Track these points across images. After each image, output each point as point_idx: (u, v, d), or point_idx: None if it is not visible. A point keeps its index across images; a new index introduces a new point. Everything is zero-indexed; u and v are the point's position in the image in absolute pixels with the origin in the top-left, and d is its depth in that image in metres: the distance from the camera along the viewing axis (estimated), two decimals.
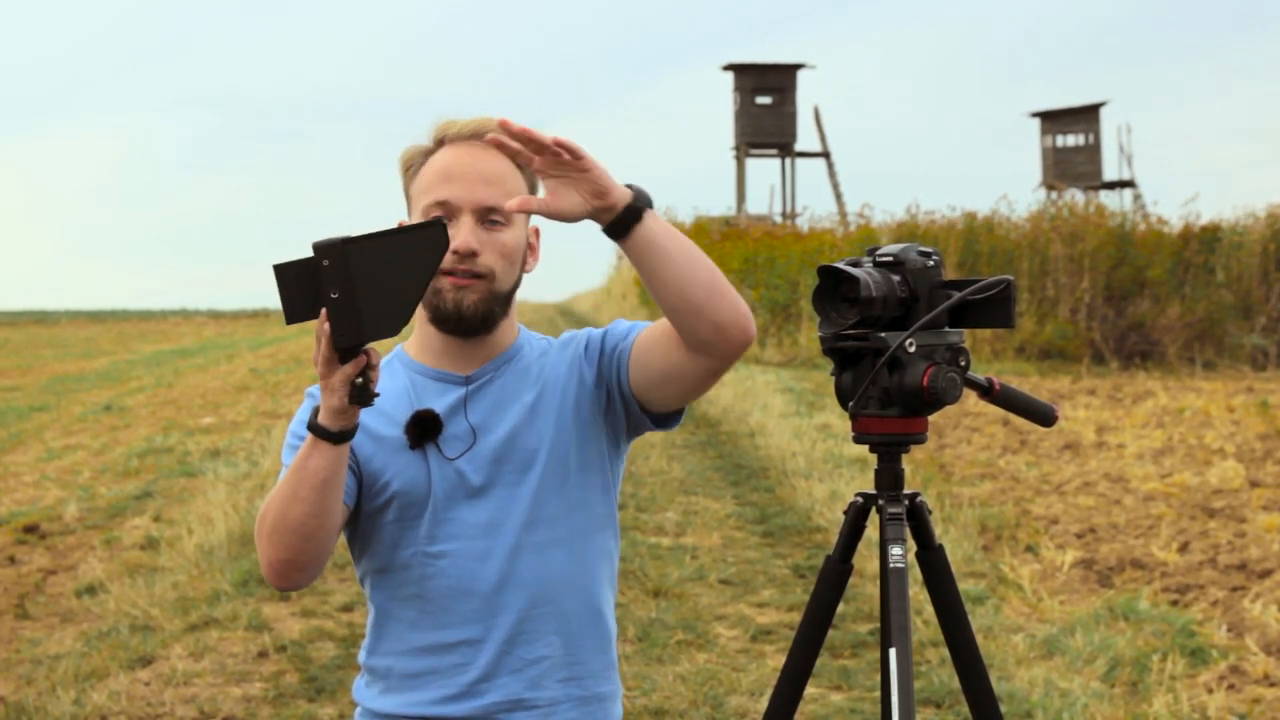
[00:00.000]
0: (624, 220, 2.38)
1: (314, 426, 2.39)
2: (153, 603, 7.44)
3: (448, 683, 2.58)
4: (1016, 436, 13.58)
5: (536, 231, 2.68)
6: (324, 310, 2.30)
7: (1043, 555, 8.49)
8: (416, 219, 2.59)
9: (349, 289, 2.27)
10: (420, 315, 2.64)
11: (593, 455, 2.63)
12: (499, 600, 2.57)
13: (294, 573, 2.48)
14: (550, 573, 2.59)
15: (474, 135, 2.59)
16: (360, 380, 2.34)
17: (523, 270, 2.65)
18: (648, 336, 2.57)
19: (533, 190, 2.64)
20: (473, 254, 2.54)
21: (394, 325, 2.31)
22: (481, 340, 2.62)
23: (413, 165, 2.63)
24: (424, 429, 2.57)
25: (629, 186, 2.39)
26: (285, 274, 2.29)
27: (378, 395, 2.38)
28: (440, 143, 2.61)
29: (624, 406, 2.64)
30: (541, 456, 2.58)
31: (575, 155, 2.33)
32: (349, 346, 2.31)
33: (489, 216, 2.56)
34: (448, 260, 2.53)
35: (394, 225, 2.37)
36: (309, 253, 2.30)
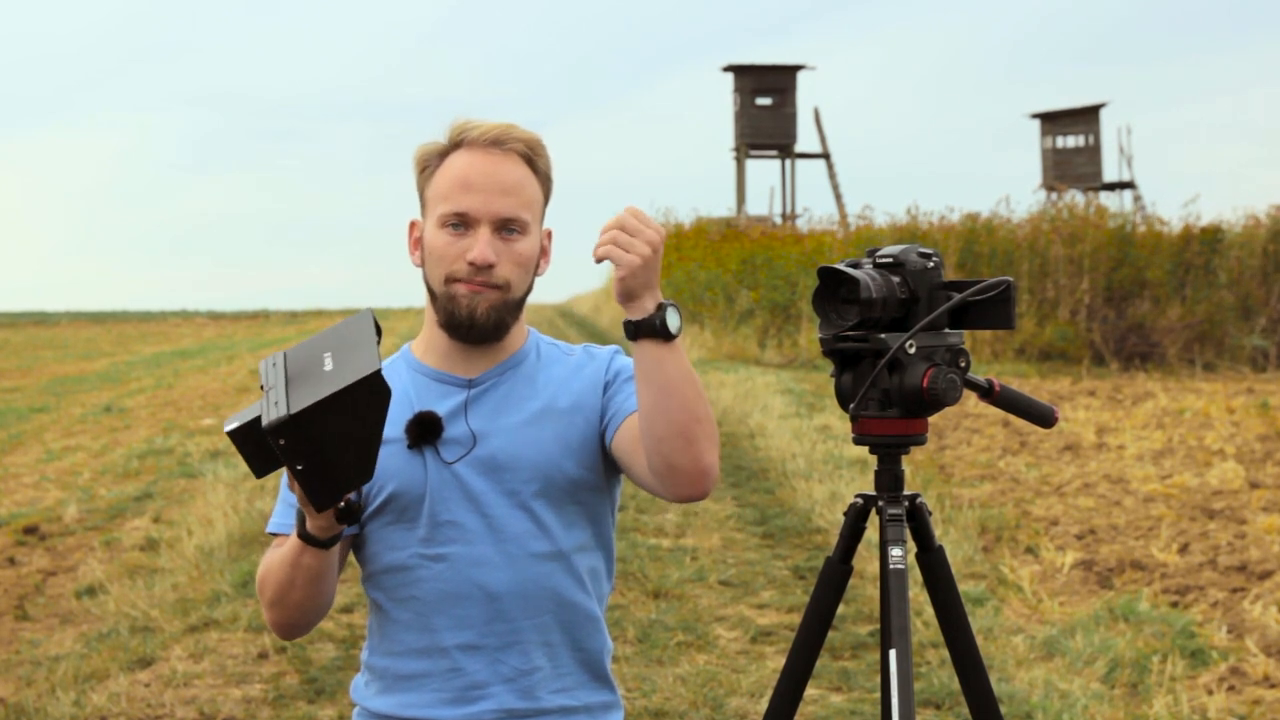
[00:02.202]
0: (631, 330, 2.39)
1: (304, 535, 2.43)
2: (152, 604, 7.43)
3: (442, 686, 2.57)
4: (1016, 438, 13.58)
5: (549, 234, 2.66)
6: (292, 480, 2.31)
7: (1043, 556, 8.49)
8: (432, 223, 2.57)
9: (313, 458, 2.26)
10: (430, 317, 2.62)
11: (591, 476, 2.61)
12: (495, 608, 2.56)
13: (297, 631, 2.58)
14: (547, 584, 2.58)
15: (493, 143, 2.56)
16: (343, 505, 2.37)
17: (535, 275, 2.63)
18: (630, 429, 2.56)
19: (546, 197, 2.63)
20: (489, 266, 2.53)
21: (364, 473, 2.31)
22: (490, 344, 2.61)
23: (428, 165, 2.60)
24: (424, 430, 2.56)
25: (660, 307, 2.38)
26: (240, 436, 2.29)
27: (364, 509, 2.40)
28: (457, 144, 2.58)
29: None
30: (541, 469, 2.57)
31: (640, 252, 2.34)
32: (329, 507, 2.33)
33: (506, 227, 2.55)
34: (463, 270, 2.53)
35: (320, 335, 2.34)
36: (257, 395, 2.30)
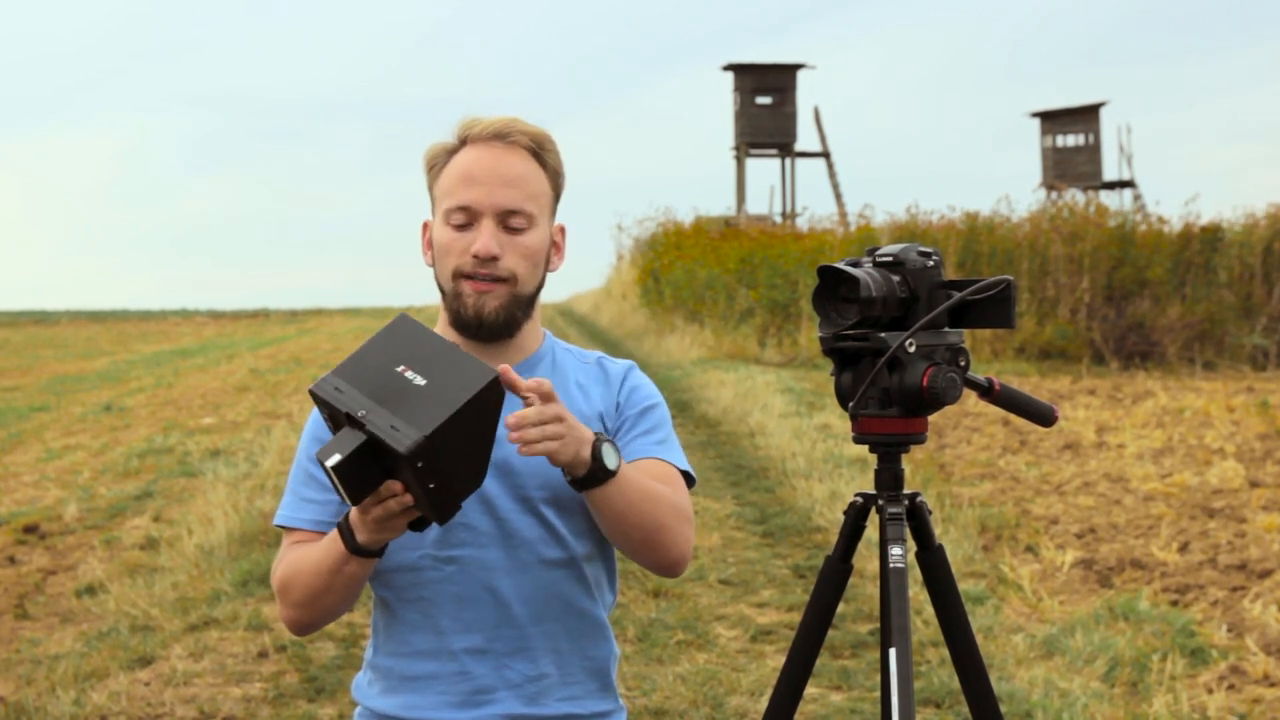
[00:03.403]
0: (579, 486, 2.41)
1: (356, 549, 2.39)
2: (153, 603, 7.44)
3: (448, 689, 2.56)
4: (1016, 437, 13.58)
5: (562, 229, 2.64)
6: (409, 497, 2.26)
7: (1043, 555, 8.49)
8: (439, 220, 2.57)
9: (442, 473, 2.22)
10: (442, 317, 2.61)
11: None
12: (504, 613, 2.55)
13: (313, 629, 2.58)
14: (557, 590, 2.57)
15: (495, 136, 2.56)
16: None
17: (547, 270, 2.62)
18: None
19: (556, 192, 2.62)
20: (493, 258, 2.51)
21: (479, 477, 2.30)
22: (504, 344, 2.58)
23: (436, 164, 2.60)
24: None
25: (594, 454, 2.37)
26: (345, 469, 2.21)
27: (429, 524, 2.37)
28: (463, 142, 2.58)
29: None
30: (554, 475, 2.54)
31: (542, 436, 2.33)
32: (450, 518, 2.31)
33: (510, 220, 2.54)
34: (468, 264, 2.52)
35: (379, 335, 2.32)
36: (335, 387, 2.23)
